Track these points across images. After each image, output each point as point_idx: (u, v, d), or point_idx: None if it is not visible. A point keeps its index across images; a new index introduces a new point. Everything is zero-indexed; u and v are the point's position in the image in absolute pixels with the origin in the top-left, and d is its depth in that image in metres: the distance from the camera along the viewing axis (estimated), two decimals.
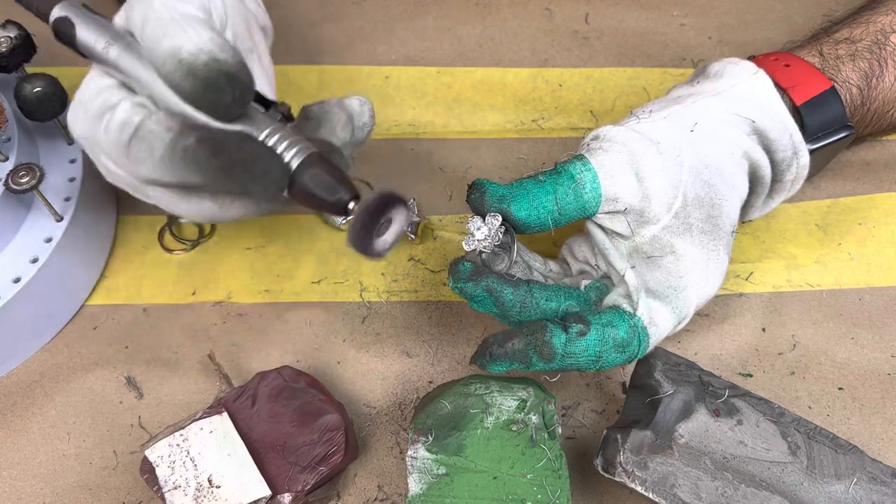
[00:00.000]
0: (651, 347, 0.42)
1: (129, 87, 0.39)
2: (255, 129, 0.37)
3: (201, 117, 0.37)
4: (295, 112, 0.42)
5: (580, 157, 0.43)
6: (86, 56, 0.40)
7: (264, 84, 0.43)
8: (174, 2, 0.37)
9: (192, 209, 0.39)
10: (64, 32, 0.39)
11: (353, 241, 0.35)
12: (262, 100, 0.41)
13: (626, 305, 0.42)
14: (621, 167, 0.42)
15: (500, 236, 0.41)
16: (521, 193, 0.42)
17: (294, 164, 0.36)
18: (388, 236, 0.36)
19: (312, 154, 0.37)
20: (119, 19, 0.40)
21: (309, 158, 0.37)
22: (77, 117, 0.39)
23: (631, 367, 0.43)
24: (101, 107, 0.38)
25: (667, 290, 0.42)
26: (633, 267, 0.42)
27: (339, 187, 0.36)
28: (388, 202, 0.36)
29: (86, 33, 0.39)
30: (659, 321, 0.42)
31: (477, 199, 0.42)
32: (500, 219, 0.41)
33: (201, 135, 0.36)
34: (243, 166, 0.35)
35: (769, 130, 0.45)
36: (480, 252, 0.42)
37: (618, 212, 0.42)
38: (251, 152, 0.36)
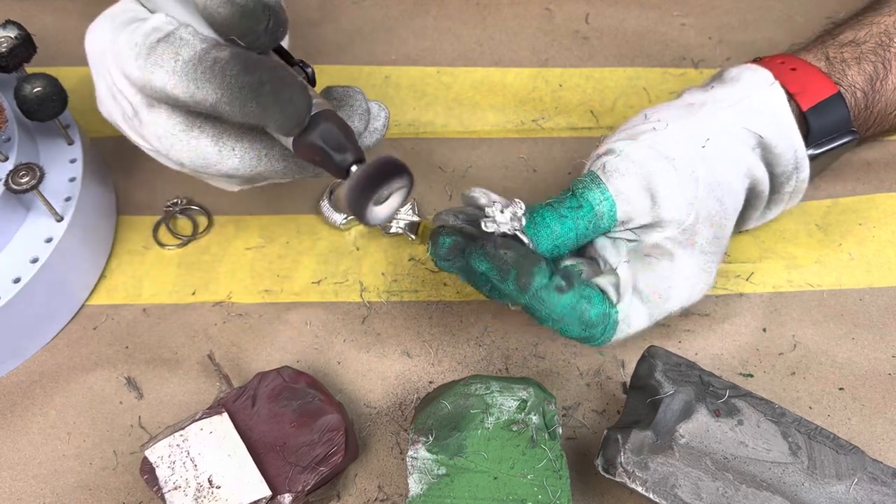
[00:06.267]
0: (612, 342, 0.43)
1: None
2: None
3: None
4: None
5: (596, 181, 0.43)
6: None
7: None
8: None
9: (186, 147, 0.38)
10: None
11: (349, 204, 0.34)
12: (286, 58, 0.40)
13: (612, 293, 0.42)
14: (637, 190, 0.42)
15: (525, 221, 0.41)
16: (545, 232, 0.42)
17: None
18: (385, 209, 0.35)
19: (329, 110, 0.36)
20: None
21: (325, 112, 0.35)
22: (100, 27, 0.38)
23: (632, 368, 0.43)
24: (132, 18, 0.38)
25: (651, 294, 0.42)
26: (627, 261, 0.43)
27: (347, 146, 0.35)
28: (390, 170, 0.34)
29: None
30: (633, 322, 0.42)
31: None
32: (524, 206, 0.41)
33: (236, 50, 0.35)
34: (272, 89, 0.34)
35: (774, 146, 0.45)
36: (502, 234, 0.41)
37: (628, 229, 0.43)
38: (282, 77, 0.34)
